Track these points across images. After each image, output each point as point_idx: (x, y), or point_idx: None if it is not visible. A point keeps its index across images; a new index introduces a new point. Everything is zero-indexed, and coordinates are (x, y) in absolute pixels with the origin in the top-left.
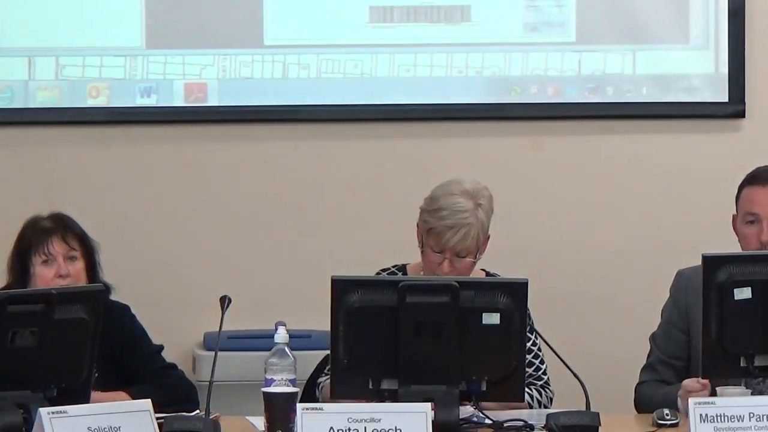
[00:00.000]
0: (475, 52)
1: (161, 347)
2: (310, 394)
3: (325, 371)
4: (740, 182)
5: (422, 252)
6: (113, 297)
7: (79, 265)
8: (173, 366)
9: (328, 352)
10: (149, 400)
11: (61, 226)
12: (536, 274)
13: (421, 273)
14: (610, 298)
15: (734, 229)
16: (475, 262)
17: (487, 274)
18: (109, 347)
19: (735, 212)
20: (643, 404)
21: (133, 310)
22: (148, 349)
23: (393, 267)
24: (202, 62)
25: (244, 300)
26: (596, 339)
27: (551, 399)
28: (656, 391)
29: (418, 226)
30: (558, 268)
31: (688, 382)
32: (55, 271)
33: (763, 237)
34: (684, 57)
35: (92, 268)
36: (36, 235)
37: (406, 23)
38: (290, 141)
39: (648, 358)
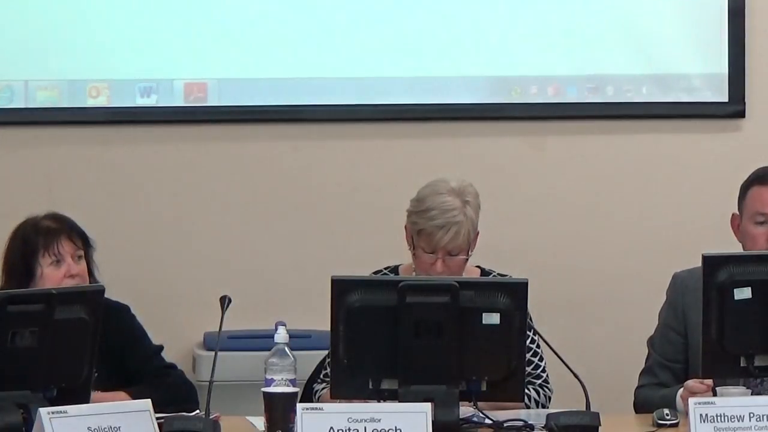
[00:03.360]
0: (475, 52)
1: (161, 347)
2: (309, 394)
3: (321, 377)
4: (744, 182)
5: (413, 254)
6: (113, 297)
7: (84, 264)
8: (173, 366)
9: (328, 352)
10: (149, 400)
11: (66, 226)
12: (536, 274)
13: (413, 274)
14: (610, 298)
15: (733, 229)
16: (467, 259)
17: (483, 271)
18: (109, 347)
19: (736, 212)
20: (642, 408)
21: (133, 310)
22: (148, 349)
23: (385, 269)
24: (202, 62)
25: (244, 300)
26: (596, 339)
27: (549, 398)
28: (655, 394)
29: (406, 229)
30: (558, 268)
31: (692, 383)
32: (65, 272)
33: None
34: (684, 57)
35: (90, 267)
36: (42, 236)
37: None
38: (290, 141)
39: (646, 361)
